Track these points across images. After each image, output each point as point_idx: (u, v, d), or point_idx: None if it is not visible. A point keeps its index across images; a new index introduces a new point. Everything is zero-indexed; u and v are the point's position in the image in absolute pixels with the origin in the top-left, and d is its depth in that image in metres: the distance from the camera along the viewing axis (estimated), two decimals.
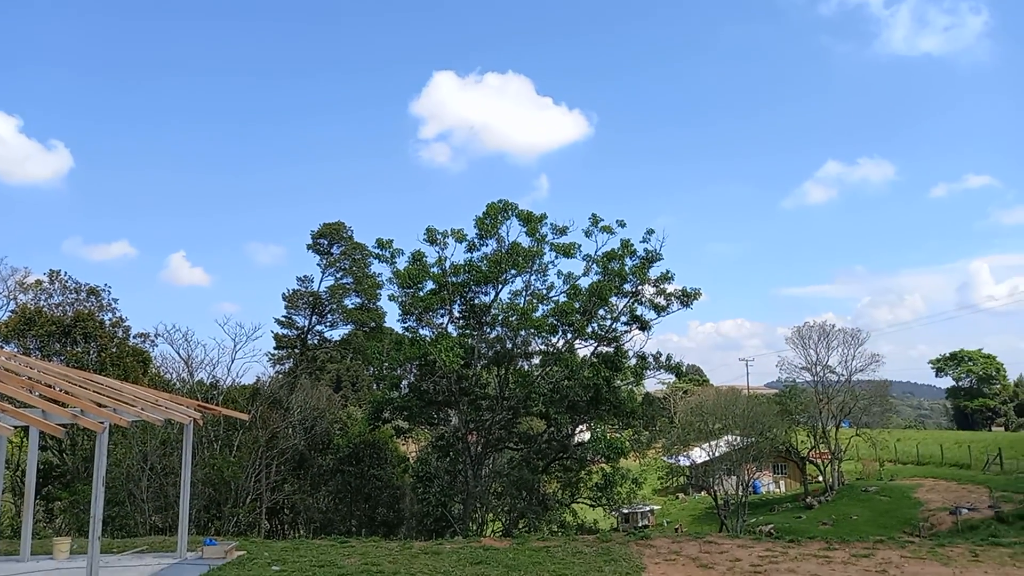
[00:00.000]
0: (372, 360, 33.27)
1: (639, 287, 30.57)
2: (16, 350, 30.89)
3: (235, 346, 45.00)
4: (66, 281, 37.05)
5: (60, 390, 13.89)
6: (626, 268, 29.76)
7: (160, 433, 29.82)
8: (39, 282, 36.96)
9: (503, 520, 30.27)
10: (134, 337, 37.30)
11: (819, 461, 50.17)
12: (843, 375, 50.37)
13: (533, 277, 30.79)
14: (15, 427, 11.86)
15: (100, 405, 13.57)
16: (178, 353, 37.76)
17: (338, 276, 54.03)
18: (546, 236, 30.33)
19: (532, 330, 29.67)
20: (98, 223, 77.76)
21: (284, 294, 54.03)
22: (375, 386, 52.98)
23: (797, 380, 51.61)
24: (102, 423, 12.71)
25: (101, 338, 34.83)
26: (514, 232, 30.58)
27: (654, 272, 30.59)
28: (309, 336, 54.03)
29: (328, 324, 54.74)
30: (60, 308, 35.60)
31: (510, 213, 30.34)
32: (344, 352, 54.11)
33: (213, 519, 29.44)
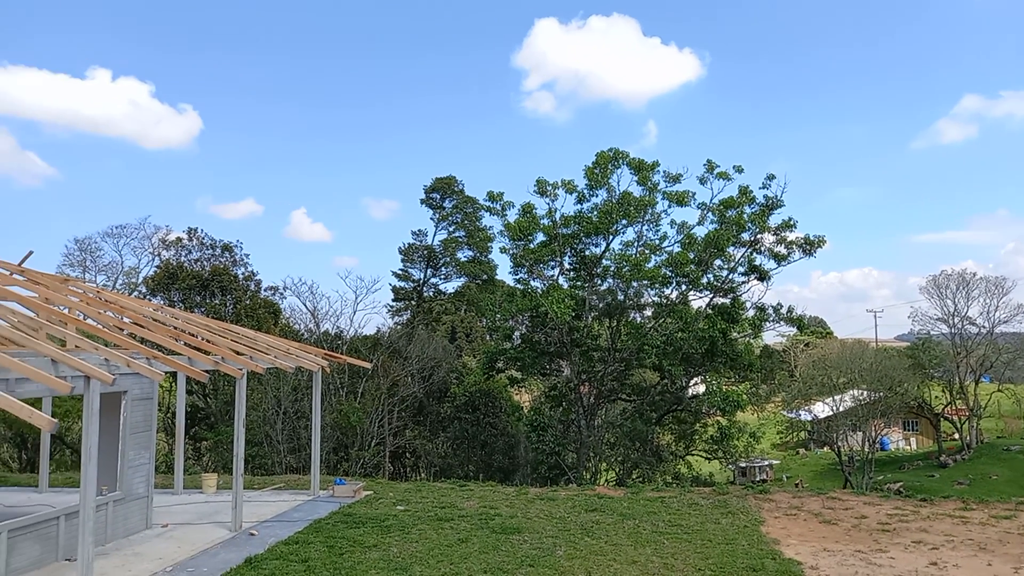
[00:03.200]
0: (485, 312, 33.80)
1: (758, 236, 29.36)
2: (162, 302, 33.58)
3: (356, 298, 46.92)
4: (202, 238, 39.69)
5: (202, 339, 14.96)
6: (744, 216, 28.59)
7: (291, 380, 31.79)
8: (179, 239, 39.79)
9: (616, 470, 30.43)
10: (265, 290, 39.65)
11: (955, 418, 47.09)
12: (984, 327, 46.65)
13: (645, 227, 30.19)
14: (165, 373, 12.89)
15: (238, 353, 14.54)
16: (305, 305, 39.87)
17: (451, 230, 55.00)
18: (658, 184, 29.55)
19: (644, 281, 29.20)
20: (226, 182, 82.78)
21: (400, 248, 55.71)
22: (488, 337, 54.10)
23: (932, 332, 48.28)
24: (241, 369, 13.64)
25: (236, 291, 37.22)
26: (625, 181, 30.00)
27: (774, 220, 29.29)
28: (424, 288, 55.57)
29: (442, 276, 56.07)
30: (198, 263, 38.21)
31: (621, 162, 29.69)
32: (458, 304, 55.38)
33: (341, 461, 31.28)
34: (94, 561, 10.07)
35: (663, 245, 30.09)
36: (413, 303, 54.19)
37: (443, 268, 56.10)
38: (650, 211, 29.55)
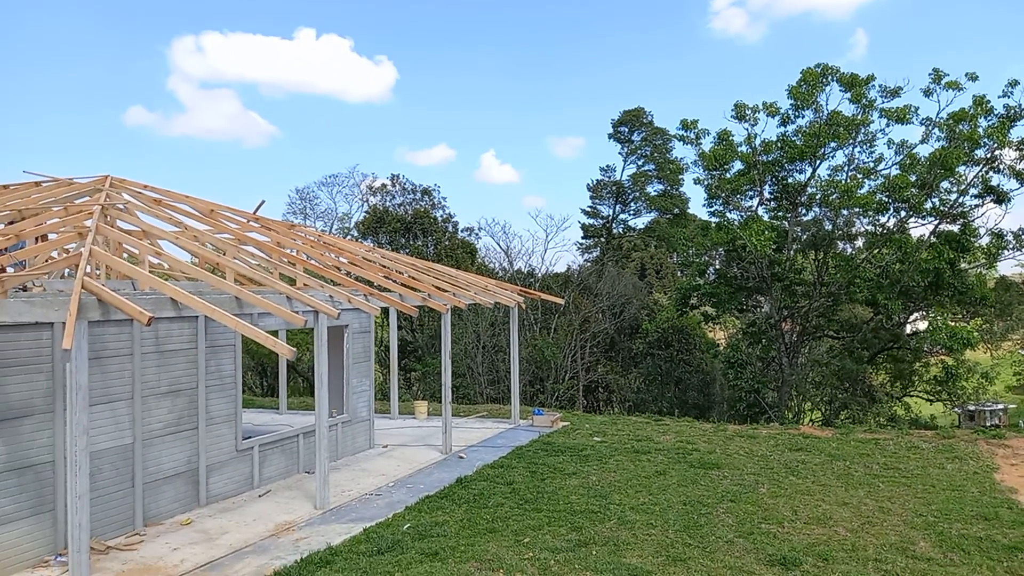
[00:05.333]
0: (677, 247, 32.95)
1: (995, 152, 25.72)
2: (372, 244, 36.31)
3: (547, 237, 47.85)
4: (404, 183, 42.15)
5: (409, 277, 15.99)
6: (979, 130, 25.10)
7: (489, 316, 33.32)
8: (383, 186, 42.57)
9: (822, 410, 28.86)
10: (461, 231, 41.50)
11: None
12: None
13: (857, 149, 27.54)
14: (380, 308, 13.97)
15: (442, 290, 15.40)
16: (498, 244, 41.32)
17: (639, 163, 53.75)
18: (874, 101, 26.65)
19: (856, 209, 26.80)
20: (420, 129, 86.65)
21: (588, 184, 55.43)
22: (679, 273, 52.85)
23: None
24: (445, 305, 14.46)
25: (435, 232, 39.31)
26: (834, 100, 27.42)
27: (1016, 133, 25.48)
28: (614, 225, 55.14)
29: (632, 212, 55.22)
30: (401, 207, 40.73)
31: (830, 78, 27.06)
32: (647, 240, 54.49)
33: (537, 393, 32.51)
34: (329, 474, 11.33)
35: (878, 168, 27.34)
36: (602, 240, 54.05)
37: (632, 203, 55.20)
38: (863, 131, 26.85)
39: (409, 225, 38.69)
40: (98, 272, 12.92)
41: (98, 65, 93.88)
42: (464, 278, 18.06)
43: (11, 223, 10.90)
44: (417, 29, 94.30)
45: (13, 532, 8.58)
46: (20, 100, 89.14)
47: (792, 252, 28.45)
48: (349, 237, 39.11)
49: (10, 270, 10.22)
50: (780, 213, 28.93)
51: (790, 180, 28.37)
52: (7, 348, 8.58)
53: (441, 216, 40.91)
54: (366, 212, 41.28)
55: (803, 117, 27.77)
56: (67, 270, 12.43)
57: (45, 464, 8.98)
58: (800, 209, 28.64)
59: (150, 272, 11.78)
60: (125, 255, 14.54)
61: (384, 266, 16.25)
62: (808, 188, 27.91)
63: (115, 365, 9.90)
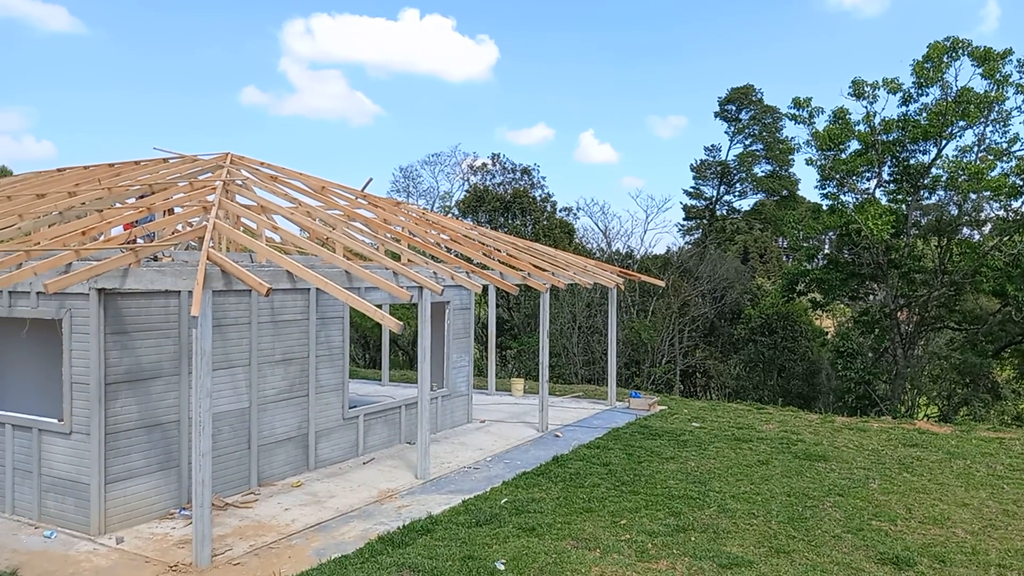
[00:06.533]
0: (785, 230, 31.61)
1: None
2: (472, 223, 36.77)
3: (647, 217, 47.13)
4: (504, 163, 42.32)
5: (507, 255, 16.10)
6: None
7: (586, 297, 33.17)
8: (484, 165, 42.90)
9: (939, 405, 27.22)
10: (560, 211, 41.36)
11: None
12: None
13: (989, 128, 25.55)
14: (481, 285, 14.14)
15: (541, 269, 15.43)
16: (597, 224, 40.92)
17: (747, 143, 51.80)
18: (1009, 76, 24.62)
19: (986, 193, 24.93)
20: (520, 108, 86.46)
21: (692, 164, 53.90)
22: (784, 258, 50.84)
23: None
24: (544, 284, 14.48)
25: (534, 212, 39.36)
26: (964, 76, 25.56)
27: None
28: (717, 206, 53.53)
29: (737, 193, 53.32)
30: (501, 187, 40.96)
31: (959, 52, 25.17)
32: (752, 222, 52.60)
33: (632, 376, 32.18)
34: (429, 445, 11.63)
35: (1012, 149, 25.30)
36: (704, 222, 52.60)
37: (737, 184, 53.32)
38: (997, 109, 24.88)
39: (508, 204, 38.90)
40: (219, 246, 13.66)
41: (217, 48, 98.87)
42: (563, 258, 18.02)
43: (142, 196, 11.68)
44: (519, 8, 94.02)
45: (144, 485, 9.27)
46: (152, 80, 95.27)
47: (911, 237, 26.81)
48: (450, 215, 39.74)
49: (140, 241, 10.96)
50: (899, 196, 27.28)
51: (912, 161, 26.68)
52: (140, 314, 9.23)
53: (540, 196, 40.88)
54: (466, 191, 41.80)
55: (927, 95, 26.01)
56: (191, 242, 13.22)
57: (171, 423, 9.64)
58: (922, 192, 26.91)
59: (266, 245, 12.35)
60: (241, 228, 15.32)
61: (483, 243, 16.42)
62: (932, 170, 26.17)
63: (234, 333, 10.48)
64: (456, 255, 16.82)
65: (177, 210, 11.11)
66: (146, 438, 9.32)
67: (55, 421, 9.16)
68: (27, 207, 11.08)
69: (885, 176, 27.58)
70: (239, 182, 12.71)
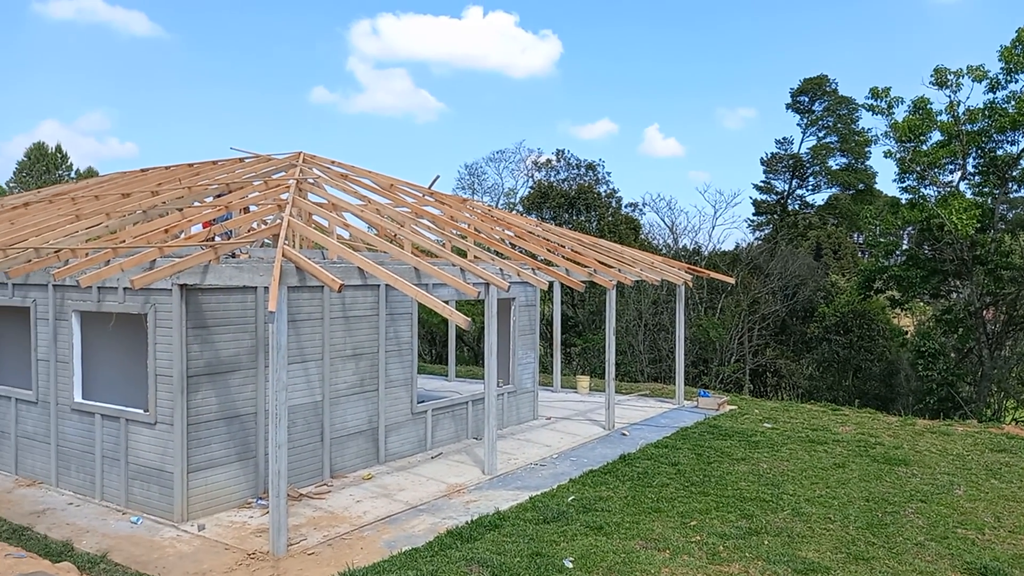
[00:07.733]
0: (862, 225, 30.51)
1: None
2: (536, 219, 36.73)
3: (715, 213, 46.17)
4: (568, 158, 42.12)
5: (572, 251, 16.00)
6: None
7: (652, 294, 32.73)
8: (548, 161, 42.79)
9: None
10: (625, 207, 40.94)
11: None
12: None
13: None
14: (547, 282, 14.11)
15: (607, 265, 15.29)
16: (663, 220, 40.40)
17: (820, 135, 50.08)
18: None
19: None
20: (583, 103, 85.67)
21: (762, 158, 52.48)
22: (860, 254, 49.04)
23: None
24: (611, 281, 14.34)
25: (599, 208, 39.07)
26: None
27: None
28: (789, 201, 51.98)
29: (810, 187, 51.60)
30: (566, 183, 40.80)
31: None
32: (825, 217, 50.87)
33: (700, 374, 31.61)
34: (496, 442, 11.68)
35: None
36: (775, 217, 51.15)
37: (810, 178, 51.66)
38: None
39: (573, 200, 38.71)
40: (293, 243, 14.03)
41: (287, 49, 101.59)
42: (629, 254, 17.81)
43: (219, 195, 12.08)
44: (582, 3, 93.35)
45: (223, 474, 9.61)
46: (227, 81, 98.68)
47: (999, 232, 25.47)
48: (515, 212, 39.83)
49: (218, 239, 11.34)
50: (985, 189, 25.93)
51: (999, 152, 25.31)
52: (219, 309, 9.55)
53: (605, 191, 40.54)
54: (531, 187, 41.79)
55: (1017, 82, 24.60)
56: (265, 239, 13.62)
57: (249, 415, 9.95)
58: (1010, 184, 25.51)
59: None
60: (313, 226, 15.68)
61: (548, 240, 16.37)
62: (1021, 161, 24.78)
63: (307, 328, 10.74)
64: (521, 251, 16.84)
65: (253, 208, 11.46)
66: (225, 429, 9.65)
67: (141, 411, 9.58)
68: (113, 206, 11.60)
69: (970, 168, 26.28)
70: (311, 180, 13.01)
